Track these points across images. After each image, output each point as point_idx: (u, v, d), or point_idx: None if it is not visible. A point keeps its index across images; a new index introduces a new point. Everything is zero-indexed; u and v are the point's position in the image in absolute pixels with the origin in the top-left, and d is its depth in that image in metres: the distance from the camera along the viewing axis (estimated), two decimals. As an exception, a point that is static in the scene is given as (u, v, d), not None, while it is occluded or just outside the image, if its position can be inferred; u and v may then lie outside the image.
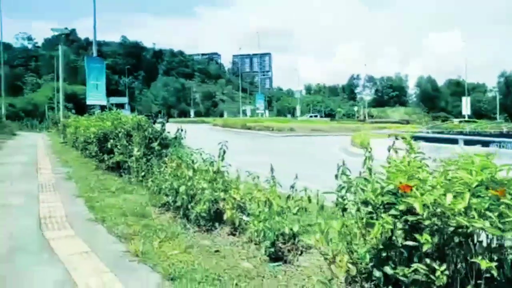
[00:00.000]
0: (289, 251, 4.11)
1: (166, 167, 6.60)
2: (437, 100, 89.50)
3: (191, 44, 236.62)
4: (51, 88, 55.81)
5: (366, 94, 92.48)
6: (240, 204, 5.01)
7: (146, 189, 6.50)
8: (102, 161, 9.11)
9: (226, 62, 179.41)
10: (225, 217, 4.75)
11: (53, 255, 3.96)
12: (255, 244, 4.35)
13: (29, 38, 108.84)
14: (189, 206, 5.18)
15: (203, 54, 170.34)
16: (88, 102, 19.29)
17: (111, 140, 8.76)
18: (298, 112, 76.38)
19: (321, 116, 69.96)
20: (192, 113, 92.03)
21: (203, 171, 5.55)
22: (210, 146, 6.33)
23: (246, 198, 5.04)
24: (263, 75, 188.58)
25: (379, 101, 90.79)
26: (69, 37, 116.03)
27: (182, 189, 5.29)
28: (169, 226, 4.93)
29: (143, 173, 7.66)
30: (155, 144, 8.29)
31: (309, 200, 4.37)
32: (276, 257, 3.88)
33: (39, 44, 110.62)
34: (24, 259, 3.87)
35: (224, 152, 5.51)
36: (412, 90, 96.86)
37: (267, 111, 72.41)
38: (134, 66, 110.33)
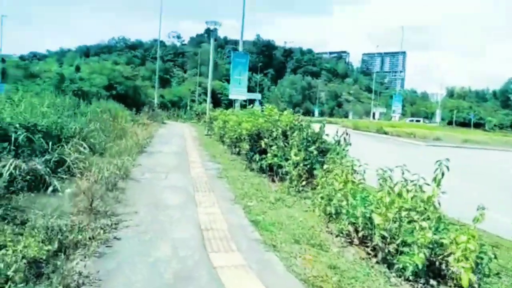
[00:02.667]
0: None
1: (335, 179, 5.29)
2: None
3: (320, 42, 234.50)
4: (194, 82, 61.40)
5: (529, 102, 76.21)
6: (477, 260, 3.32)
7: (315, 206, 5.26)
8: (252, 160, 8.33)
9: (355, 61, 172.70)
10: (464, 276, 3.12)
11: (227, 297, 2.96)
12: None
13: (178, 37, 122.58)
14: (390, 248, 3.72)
15: (331, 53, 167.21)
16: (231, 96, 19.53)
17: (265, 139, 7.88)
18: (438, 118, 67.75)
19: (424, 121, 58.65)
20: (316, 112, 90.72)
21: (404, 198, 4.01)
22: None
23: (487, 249, 3.33)
24: (394, 75, 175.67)
25: (547, 111, 73.99)
26: (209, 36, 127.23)
27: (378, 220, 3.85)
28: (366, 275, 3.52)
29: (303, 182, 6.51)
30: (312, 148, 7.10)
31: None
32: None
33: (185, 42, 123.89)
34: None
35: (443, 174, 3.84)
36: None
37: (397, 115, 65.89)
38: (265, 63, 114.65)
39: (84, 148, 7.18)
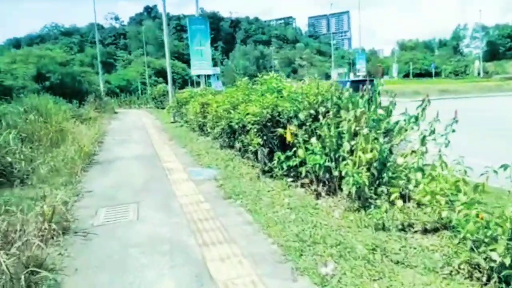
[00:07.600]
0: None
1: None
2: None
3: (265, 10, 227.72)
4: (141, 63, 55.76)
5: (476, 47, 77.76)
6: None
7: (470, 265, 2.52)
8: (271, 161, 5.39)
9: (303, 25, 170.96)
10: None
11: None
12: None
13: (116, 18, 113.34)
14: None
15: (277, 19, 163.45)
16: (194, 72, 16.09)
17: (291, 127, 4.93)
18: (394, 72, 67.48)
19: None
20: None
21: None
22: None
23: None
24: (341, 35, 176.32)
25: (492, 54, 76.11)
26: (151, 15, 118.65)
27: None
28: None
29: (399, 202, 3.70)
30: (379, 134, 4.33)
31: None
32: None
33: (125, 23, 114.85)
34: None
35: None
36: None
37: (352, 74, 64.51)
38: (214, 36, 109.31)
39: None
